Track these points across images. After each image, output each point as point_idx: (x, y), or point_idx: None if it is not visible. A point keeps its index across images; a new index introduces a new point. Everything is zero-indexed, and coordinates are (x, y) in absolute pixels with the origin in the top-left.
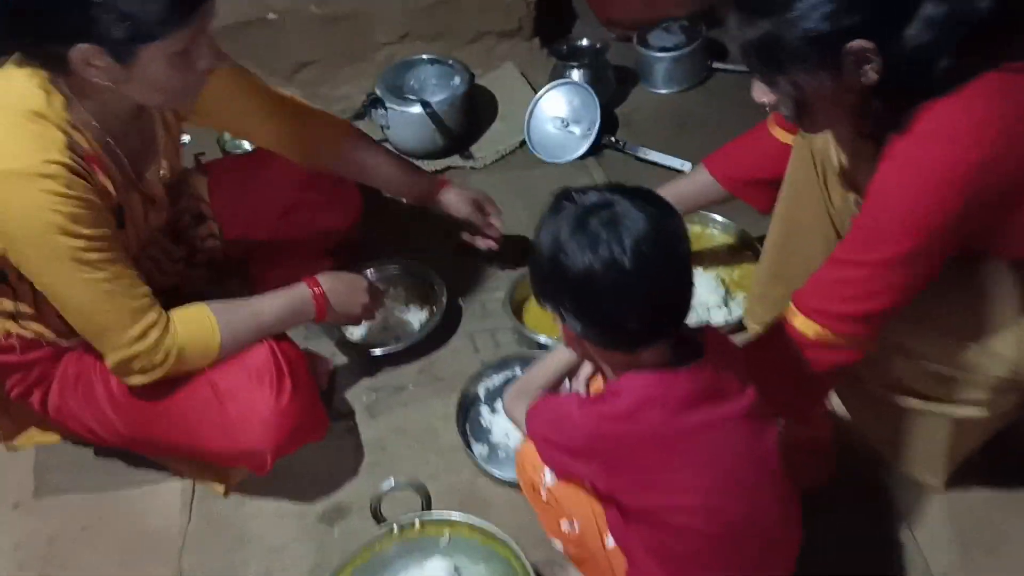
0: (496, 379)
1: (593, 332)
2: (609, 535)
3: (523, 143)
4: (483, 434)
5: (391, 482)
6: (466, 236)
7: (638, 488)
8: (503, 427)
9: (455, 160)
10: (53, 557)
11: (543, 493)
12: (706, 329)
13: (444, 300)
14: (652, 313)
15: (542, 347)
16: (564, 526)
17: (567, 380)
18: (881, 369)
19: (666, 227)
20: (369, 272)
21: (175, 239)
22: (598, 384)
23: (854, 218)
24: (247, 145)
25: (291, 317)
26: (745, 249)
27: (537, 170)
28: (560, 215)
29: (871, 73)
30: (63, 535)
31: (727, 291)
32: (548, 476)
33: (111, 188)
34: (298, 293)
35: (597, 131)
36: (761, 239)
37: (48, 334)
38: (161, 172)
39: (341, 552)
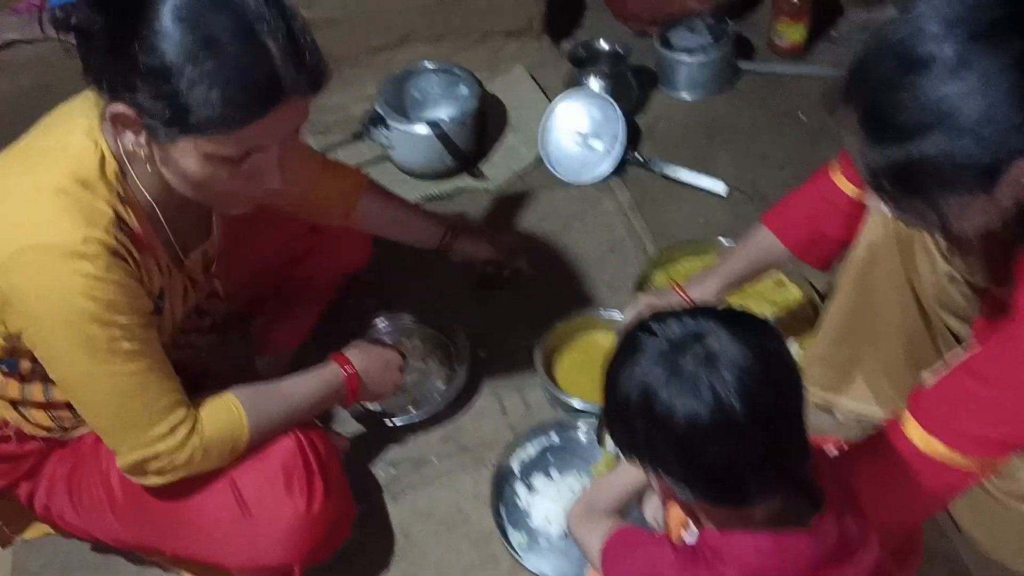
0: (531, 449)
1: (693, 490)
2: None
3: (539, 159)
4: (521, 518)
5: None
6: (491, 269)
7: None
8: (543, 510)
9: (465, 181)
10: None
11: None
12: (817, 460)
13: (467, 355)
14: (769, 461)
15: (577, 411)
16: None
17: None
18: (1010, 480)
19: (771, 355)
20: (381, 322)
21: (199, 312)
22: (676, 516)
23: (979, 319)
24: None
25: (323, 402)
26: (799, 297)
27: (557, 191)
28: (642, 355)
29: None
30: None
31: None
32: None
33: (156, 271)
34: (330, 374)
35: (620, 148)
36: (815, 283)
37: (52, 426)
38: (207, 252)
39: None
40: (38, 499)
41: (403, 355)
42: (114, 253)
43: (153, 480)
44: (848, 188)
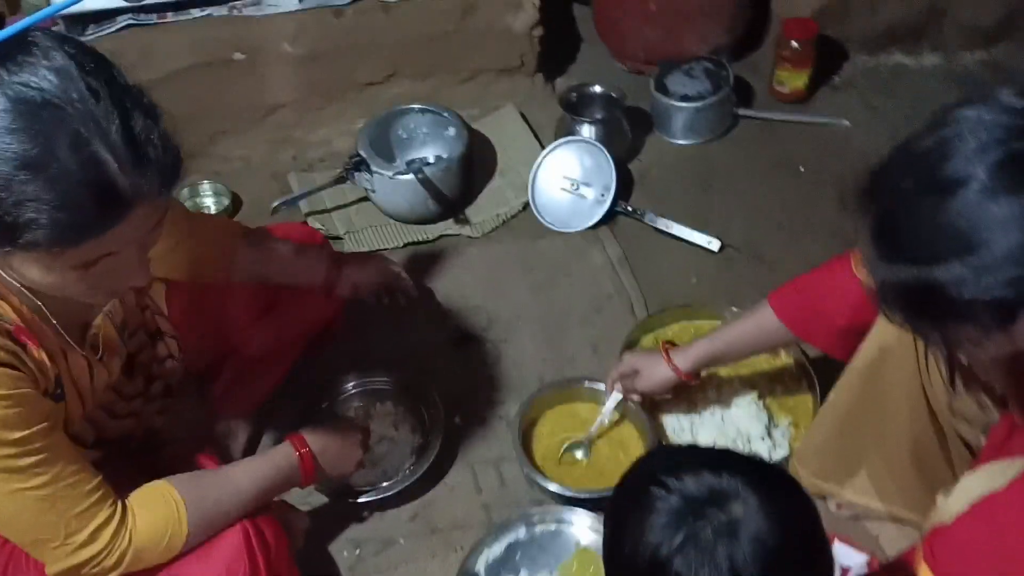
0: (496, 548)
1: None
2: None
3: (526, 205)
4: None
5: None
6: (386, 300)
7: None
8: None
9: (449, 226)
10: None
11: None
12: None
13: (441, 423)
14: None
15: (555, 495)
16: None
17: None
18: None
19: (799, 529)
20: (351, 382)
21: (130, 370)
22: None
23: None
24: (211, 208)
25: (275, 489)
26: (791, 365)
27: (543, 240)
28: (654, 515)
29: None
30: None
31: (771, 418)
32: None
33: (46, 360)
34: (283, 459)
35: (611, 197)
36: (815, 361)
37: None
38: (108, 312)
39: None
40: None
41: (368, 429)
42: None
43: None
44: (866, 277)
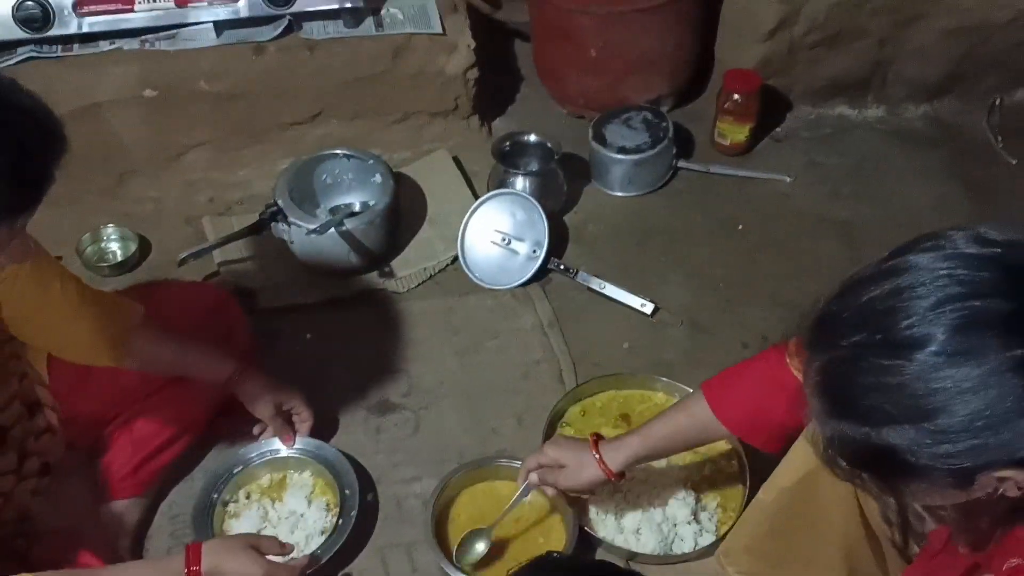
0: None
1: None
2: None
3: (455, 259)
4: None
5: None
6: (256, 429)
7: None
8: None
9: (373, 280)
10: None
11: None
12: None
13: (355, 501)
14: None
15: None
16: None
17: None
18: None
19: None
20: (266, 450)
21: (1, 443)
22: None
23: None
24: (117, 253)
25: None
26: (721, 448)
27: (471, 297)
28: None
29: (1013, 489)
30: None
31: (698, 501)
32: None
33: None
34: (169, 571)
35: (543, 253)
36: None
37: None
38: None
39: None
40: None
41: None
42: None
43: None
44: (799, 371)
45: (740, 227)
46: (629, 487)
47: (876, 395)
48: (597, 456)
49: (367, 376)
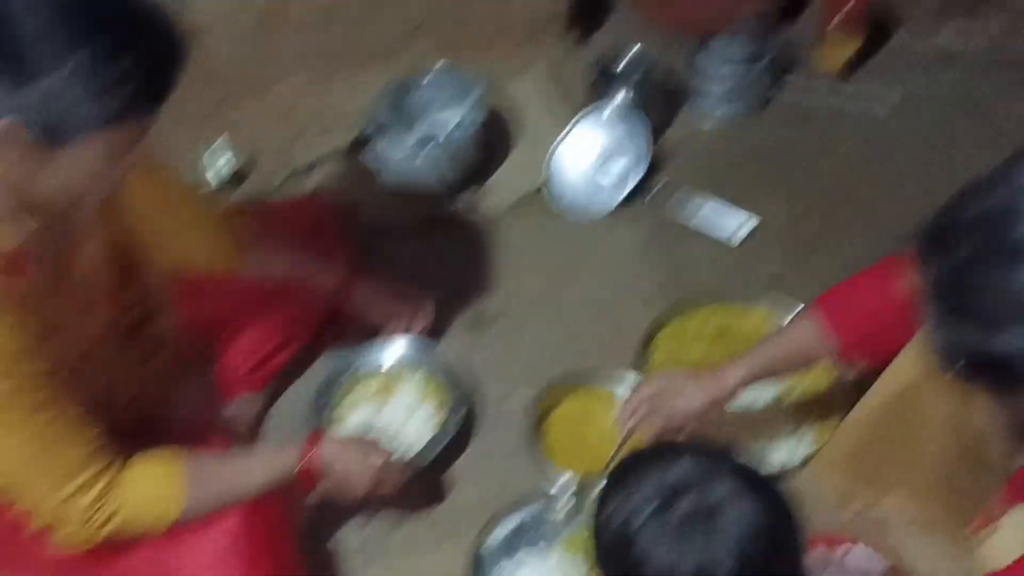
0: (510, 524)
1: None
2: None
3: (547, 183)
4: None
5: None
6: (387, 329)
7: None
8: None
9: (465, 203)
10: None
11: None
12: None
13: (461, 408)
14: None
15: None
16: None
17: None
18: None
19: (779, 525)
20: (377, 349)
21: (128, 335)
22: None
23: None
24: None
25: (276, 483)
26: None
27: (561, 223)
28: (631, 493)
29: None
30: None
31: (797, 434)
32: None
33: (39, 291)
34: (287, 463)
35: (637, 178)
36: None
37: None
38: (90, 256)
39: None
40: None
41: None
42: None
43: (67, 541)
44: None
45: (840, 151)
46: (726, 424)
47: (993, 300)
48: (703, 381)
49: (461, 294)
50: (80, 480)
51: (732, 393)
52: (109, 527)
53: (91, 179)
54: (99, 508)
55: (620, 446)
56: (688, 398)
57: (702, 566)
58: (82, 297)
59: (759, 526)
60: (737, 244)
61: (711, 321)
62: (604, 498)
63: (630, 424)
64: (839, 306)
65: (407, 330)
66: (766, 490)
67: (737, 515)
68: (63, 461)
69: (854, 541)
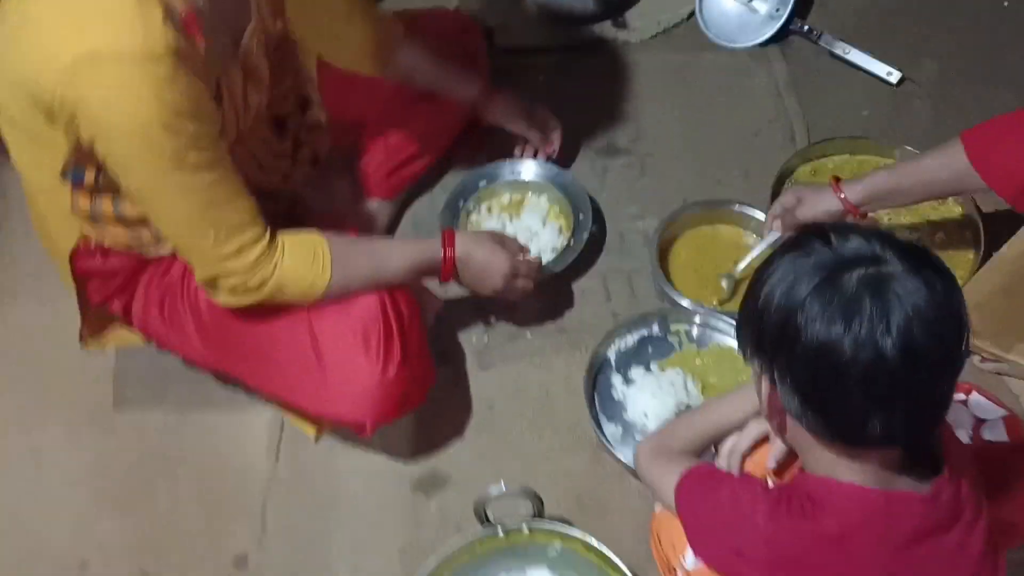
0: (629, 340)
1: (813, 417)
2: None
3: (692, 14)
4: (615, 410)
5: (501, 487)
6: (517, 151)
7: None
8: (640, 404)
9: (607, 28)
10: (130, 490)
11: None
12: (944, 430)
13: (588, 228)
14: (906, 416)
15: (683, 310)
16: None
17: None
18: None
19: (950, 309)
20: (504, 170)
21: (279, 129)
22: (759, 463)
23: None
24: None
25: (413, 274)
26: (957, 214)
27: (706, 54)
28: (806, 258)
29: None
30: (142, 465)
31: None
32: (690, 560)
33: (211, 57)
34: (427, 252)
35: (787, 13)
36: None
37: (129, 241)
38: (254, 36)
39: (436, 534)
40: (134, 314)
41: (531, 264)
42: (176, 53)
43: (225, 298)
44: None
45: (1005, 3)
46: None
47: None
48: (837, 190)
49: (596, 121)
50: (238, 243)
51: (863, 202)
52: (263, 291)
53: None
54: (254, 272)
55: (756, 252)
56: (819, 204)
57: (862, 342)
58: (246, 69)
59: (927, 309)
60: (884, 89)
61: (848, 166)
62: (768, 270)
63: (771, 229)
64: (985, 141)
65: (538, 152)
66: (939, 274)
67: (907, 294)
68: (227, 220)
69: (976, 388)
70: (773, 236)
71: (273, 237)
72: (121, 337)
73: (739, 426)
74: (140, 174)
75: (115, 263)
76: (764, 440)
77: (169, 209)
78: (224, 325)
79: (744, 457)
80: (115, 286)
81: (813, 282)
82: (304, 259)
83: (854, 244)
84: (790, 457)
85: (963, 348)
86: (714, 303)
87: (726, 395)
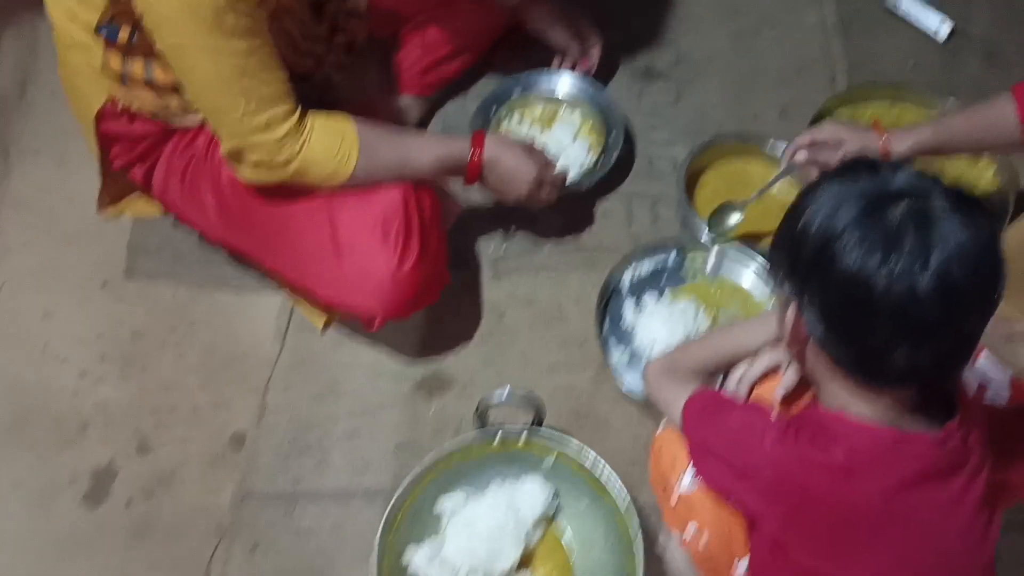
0: (645, 266)
1: (837, 347)
2: (743, 561)
3: None
4: (624, 336)
5: (504, 393)
6: (556, 62)
7: (814, 549)
8: (650, 331)
9: None
10: (136, 357)
11: (674, 498)
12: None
13: (618, 148)
14: (931, 354)
15: (702, 239)
16: (690, 530)
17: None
18: None
19: (988, 251)
20: (539, 82)
21: (316, 13)
22: (765, 392)
23: None
24: None
25: (440, 171)
26: (990, 166)
27: None
28: (850, 186)
29: None
30: (149, 333)
31: None
32: (687, 480)
33: None
34: (458, 150)
35: None
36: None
37: (159, 110)
38: None
39: (434, 434)
40: (155, 182)
41: (557, 177)
42: None
43: (248, 173)
44: None
45: None
46: None
47: None
48: (883, 137)
49: (636, 41)
50: (268, 116)
51: (909, 155)
52: (288, 170)
53: None
54: (280, 148)
55: (770, 183)
56: (861, 151)
57: (898, 275)
58: None
59: (968, 248)
60: (933, 43)
61: (889, 112)
62: (811, 194)
63: (791, 160)
64: None
65: (575, 65)
66: (985, 216)
67: (950, 230)
68: (258, 91)
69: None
70: (791, 168)
71: (303, 116)
72: (139, 207)
73: (752, 353)
74: (177, 32)
75: (140, 128)
76: (775, 371)
77: (201, 72)
78: (244, 202)
79: (753, 386)
80: (139, 152)
81: (856, 209)
82: (331, 143)
83: (903, 177)
84: (799, 390)
85: (998, 292)
86: (715, 234)
87: (743, 321)
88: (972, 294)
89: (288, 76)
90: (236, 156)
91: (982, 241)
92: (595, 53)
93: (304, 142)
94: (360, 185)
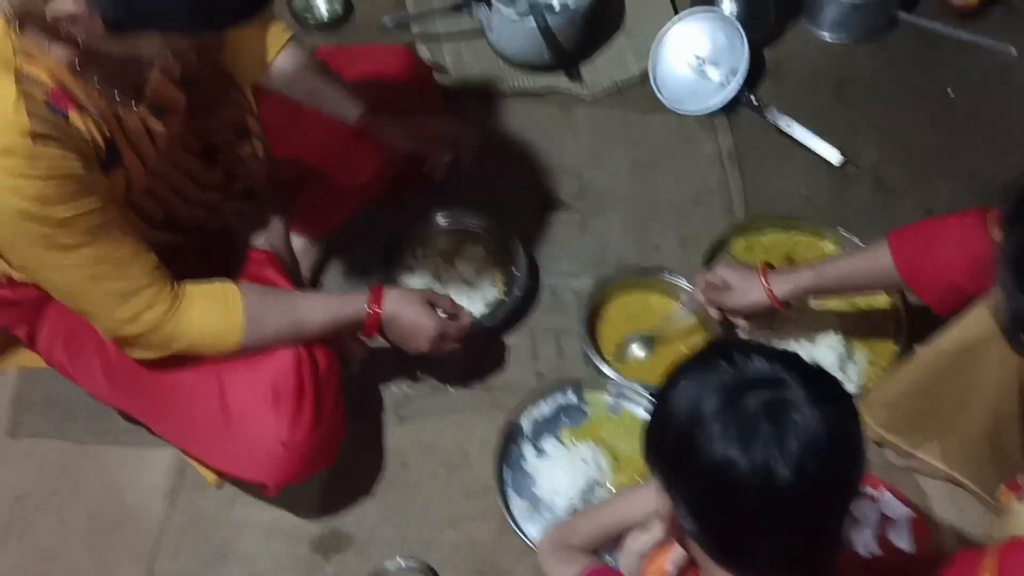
0: (545, 408)
1: (705, 537)
2: None
3: (645, 75)
4: (525, 483)
5: (398, 562)
6: (427, 168)
7: None
8: (551, 479)
9: (560, 80)
10: (14, 522)
11: None
12: (848, 555)
13: (523, 286)
14: (794, 543)
15: (606, 378)
16: None
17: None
18: None
19: (845, 438)
20: (441, 218)
21: (210, 161)
22: (657, 569)
23: None
24: (323, 11)
25: (335, 332)
26: (883, 304)
27: (656, 116)
28: (710, 375)
29: None
30: (31, 496)
31: (847, 349)
32: None
33: (91, 124)
34: (352, 308)
35: (738, 84)
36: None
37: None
38: (164, 68)
39: None
40: (39, 344)
41: (460, 326)
42: (35, 136)
43: (135, 354)
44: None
45: (951, 94)
46: (781, 324)
47: None
48: (765, 283)
49: (541, 171)
50: (132, 310)
51: (789, 299)
52: (171, 348)
53: (150, 51)
54: (159, 328)
55: (675, 320)
56: (747, 296)
57: (759, 466)
58: (148, 113)
59: (823, 440)
60: (824, 175)
61: (783, 243)
62: (671, 384)
63: (691, 306)
64: (910, 244)
65: (453, 159)
66: (839, 404)
67: (805, 422)
68: (115, 290)
69: (885, 484)
70: (693, 304)
71: (178, 294)
72: (24, 359)
73: (641, 522)
74: (17, 254)
75: (22, 292)
76: (668, 542)
77: (53, 285)
78: (131, 368)
79: (652, 559)
80: (20, 313)
81: (716, 402)
82: (214, 315)
83: (757, 365)
84: (691, 564)
85: (857, 481)
86: (617, 366)
87: (631, 490)
88: (829, 485)
89: (155, 259)
90: (116, 341)
91: (838, 433)
92: (446, 154)
93: (181, 320)
94: (254, 351)
